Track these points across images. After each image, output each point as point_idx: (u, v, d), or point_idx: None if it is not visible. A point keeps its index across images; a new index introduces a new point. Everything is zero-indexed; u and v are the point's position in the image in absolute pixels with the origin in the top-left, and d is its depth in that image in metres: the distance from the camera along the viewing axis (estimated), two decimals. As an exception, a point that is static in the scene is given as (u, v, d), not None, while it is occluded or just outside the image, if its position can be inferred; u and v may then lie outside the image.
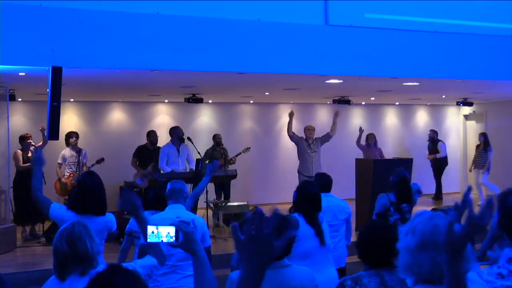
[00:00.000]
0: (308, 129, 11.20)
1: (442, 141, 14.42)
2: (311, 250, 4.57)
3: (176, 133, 10.37)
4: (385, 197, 6.27)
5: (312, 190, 4.81)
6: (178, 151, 10.23)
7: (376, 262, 2.99)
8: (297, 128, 12.11)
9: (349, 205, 6.03)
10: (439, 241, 1.98)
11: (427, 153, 14.37)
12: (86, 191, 4.48)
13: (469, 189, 1.89)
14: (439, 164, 14.26)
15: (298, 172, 11.12)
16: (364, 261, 3.11)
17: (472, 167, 14.03)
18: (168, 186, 4.77)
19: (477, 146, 14.18)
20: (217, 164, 6.25)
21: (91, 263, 2.90)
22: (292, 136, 11.18)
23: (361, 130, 12.48)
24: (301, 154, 11.18)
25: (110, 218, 4.53)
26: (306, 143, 11.07)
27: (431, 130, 14.63)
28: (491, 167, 13.68)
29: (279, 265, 3.23)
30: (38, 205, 4.60)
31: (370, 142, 12.90)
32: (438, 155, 14.06)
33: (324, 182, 5.84)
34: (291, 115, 11.10)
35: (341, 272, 5.42)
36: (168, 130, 10.69)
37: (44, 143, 9.70)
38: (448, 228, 1.81)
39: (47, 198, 4.59)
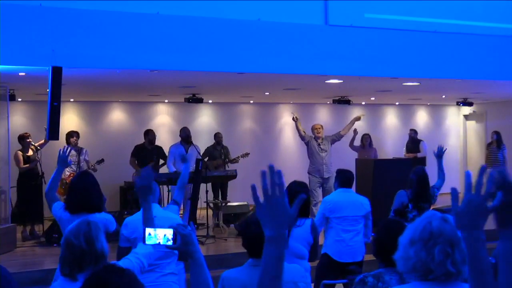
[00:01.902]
0: (315, 128, 10.76)
1: (423, 141, 14.12)
2: None
3: (183, 134, 10.48)
4: (403, 193, 6.23)
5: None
6: (187, 151, 10.28)
7: (392, 260, 3.01)
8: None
9: (369, 202, 6.09)
10: (426, 239, 2.18)
11: (404, 151, 14.06)
12: (76, 191, 4.50)
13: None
14: (418, 164, 13.98)
15: (309, 173, 10.67)
16: (380, 258, 3.16)
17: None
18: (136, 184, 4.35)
19: (489, 145, 13.77)
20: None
21: (104, 264, 2.88)
22: (304, 137, 10.77)
23: (355, 132, 12.27)
24: (311, 154, 10.69)
25: (105, 217, 4.43)
26: (316, 142, 10.63)
27: (411, 130, 14.31)
28: (507, 166, 13.45)
29: None
30: (47, 203, 4.78)
31: (365, 142, 12.82)
32: (419, 155, 13.71)
33: (345, 178, 5.97)
34: (295, 120, 10.78)
35: (358, 265, 5.72)
36: (168, 130, 10.69)
37: (45, 142, 9.69)
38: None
39: (54, 197, 4.74)
